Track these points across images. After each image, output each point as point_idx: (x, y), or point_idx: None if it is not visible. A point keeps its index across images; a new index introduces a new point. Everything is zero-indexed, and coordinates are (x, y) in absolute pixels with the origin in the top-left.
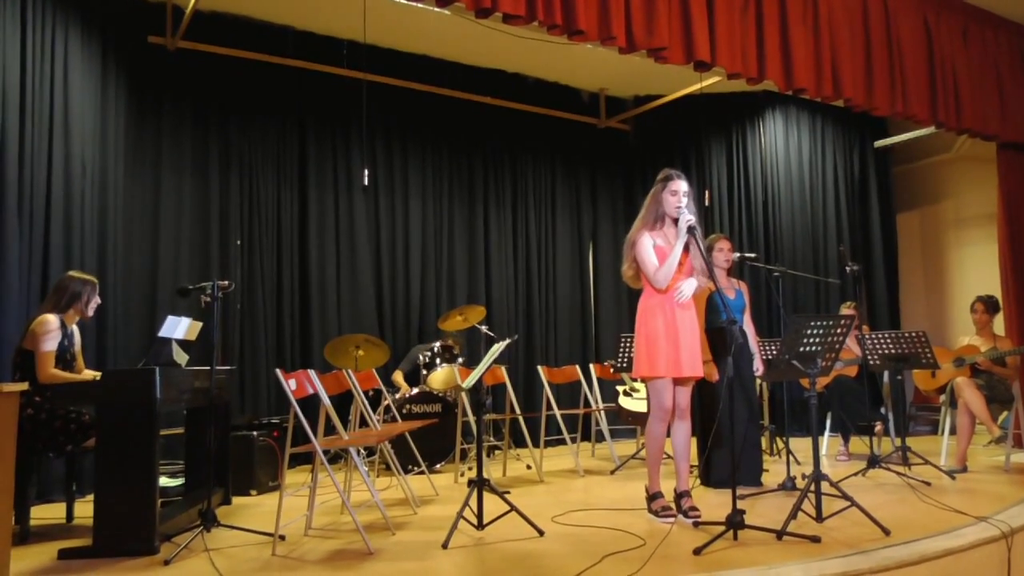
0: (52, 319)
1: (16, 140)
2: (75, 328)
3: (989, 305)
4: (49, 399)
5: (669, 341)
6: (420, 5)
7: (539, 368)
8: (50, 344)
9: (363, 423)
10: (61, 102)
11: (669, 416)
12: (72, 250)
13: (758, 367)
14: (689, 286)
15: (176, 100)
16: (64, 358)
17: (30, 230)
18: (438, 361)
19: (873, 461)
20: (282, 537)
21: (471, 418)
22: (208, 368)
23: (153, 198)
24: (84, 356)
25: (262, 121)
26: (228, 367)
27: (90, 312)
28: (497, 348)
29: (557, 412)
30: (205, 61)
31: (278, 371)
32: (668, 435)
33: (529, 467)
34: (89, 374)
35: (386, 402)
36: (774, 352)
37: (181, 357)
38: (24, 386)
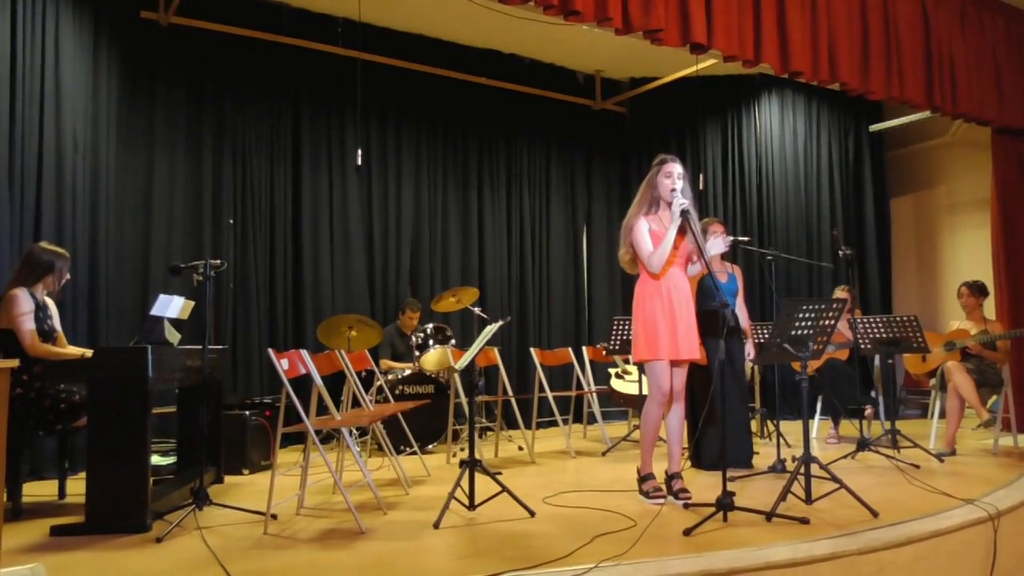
0: (21, 296)
1: (7, 116)
2: (50, 301)
3: (975, 289)
4: (39, 376)
5: (667, 324)
6: None
7: (532, 350)
8: (28, 323)
9: (355, 403)
10: (52, 78)
11: (668, 399)
12: (64, 227)
13: (750, 351)
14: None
15: (169, 77)
16: (43, 330)
17: (21, 207)
18: (431, 343)
19: (863, 444)
20: (274, 516)
21: (463, 399)
22: (200, 347)
23: (146, 175)
24: (76, 334)
25: (256, 99)
26: (220, 346)
27: (59, 287)
28: (490, 330)
29: (549, 394)
30: (199, 38)
31: (270, 351)
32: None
33: (521, 448)
34: (73, 350)
35: (379, 383)
36: (766, 335)
37: (173, 336)
38: (15, 363)
